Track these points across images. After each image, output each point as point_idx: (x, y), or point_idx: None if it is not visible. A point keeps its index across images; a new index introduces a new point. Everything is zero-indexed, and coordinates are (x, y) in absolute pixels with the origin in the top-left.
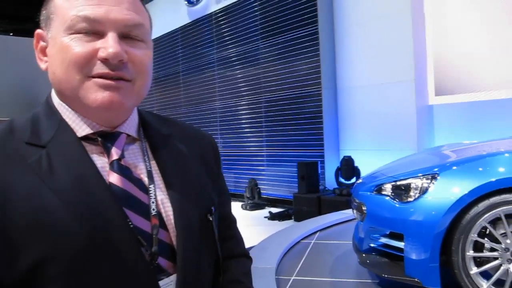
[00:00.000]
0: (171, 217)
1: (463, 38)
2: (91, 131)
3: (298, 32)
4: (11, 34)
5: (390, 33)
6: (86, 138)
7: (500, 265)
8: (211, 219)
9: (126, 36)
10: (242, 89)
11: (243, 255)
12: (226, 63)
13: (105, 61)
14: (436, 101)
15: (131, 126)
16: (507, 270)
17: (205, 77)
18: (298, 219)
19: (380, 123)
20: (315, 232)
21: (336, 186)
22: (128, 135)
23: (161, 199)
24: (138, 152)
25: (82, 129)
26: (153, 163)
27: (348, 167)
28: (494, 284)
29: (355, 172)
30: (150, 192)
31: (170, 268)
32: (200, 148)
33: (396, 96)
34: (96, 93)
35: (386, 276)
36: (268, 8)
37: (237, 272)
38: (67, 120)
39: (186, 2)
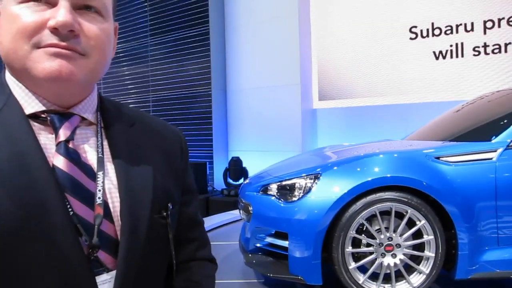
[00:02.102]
0: (118, 208)
1: (345, 46)
2: (41, 109)
3: (189, 31)
4: None
5: (278, 36)
6: (35, 116)
7: (375, 259)
8: (165, 216)
9: (80, 7)
10: (129, 87)
11: (206, 259)
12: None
13: (54, 30)
14: (319, 105)
15: (87, 108)
16: (381, 263)
17: None
18: None
19: (267, 125)
20: None
21: (224, 186)
22: (83, 118)
23: (109, 188)
24: (92, 136)
25: (31, 106)
26: (107, 151)
27: (236, 168)
28: (370, 277)
29: (243, 172)
30: (98, 179)
31: (111, 264)
32: (164, 142)
33: (282, 99)
34: (44, 63)
35: (271, 275)
36: (158, 4)
37: (197, 273)
38: (16, 95)
39: None
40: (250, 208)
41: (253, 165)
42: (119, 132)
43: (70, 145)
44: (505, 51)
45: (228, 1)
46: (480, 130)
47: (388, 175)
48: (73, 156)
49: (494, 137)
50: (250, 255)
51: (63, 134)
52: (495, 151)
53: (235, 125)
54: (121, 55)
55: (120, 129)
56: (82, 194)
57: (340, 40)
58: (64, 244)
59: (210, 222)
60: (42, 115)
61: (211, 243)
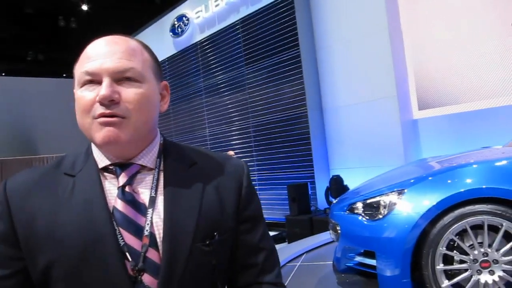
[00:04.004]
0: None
1: (440, 52)
2: (108, 163)
3: (281, 56)
4: (3, 74)
5: (370, 51)
6: (106, 168)
7: (471, 276)
8: (208, 244)
9: (121, 79)
10: (231, 115)
11: (270, 283)
12: (214, 90)
13: (101, 103)
14: (419, 115)
15: (146, 157)
16: (478, 280)
17: (193, 105)
18: (292, 241)
19: (366, 140)
20: (302, 254)
21: (327, 206)
22: (143, 166)
23: (156, 221)
24: (149, 180)
25: (102, 161)
26: (161, 190)
27: (337, 186)
28: None
29: (344, 190)
30: (148, 215)
31: (154, 285)
32: (221, 179)
33: (380, 113)
34: (99, 132)
35: None
36: (251, 34)
37: None
38: (94, 155)
39: (171, 34)
40: (338, 228)
41: (355, 182)
42: (176, 173)
43: (127, 189)
44: None
45: (316, 22)
46: None
47: (474, 187)
48: (128, 198)
49: None
50: (342, 275)
51: (121, 180)
52: None
53: (335, 143)
54: (221, 85)
55: (178, 171)
56: (132, 228)
57: (434, 46)
58: (114, 267)
59: (310, 242)
60: (110, 167)
61: (310, 263)
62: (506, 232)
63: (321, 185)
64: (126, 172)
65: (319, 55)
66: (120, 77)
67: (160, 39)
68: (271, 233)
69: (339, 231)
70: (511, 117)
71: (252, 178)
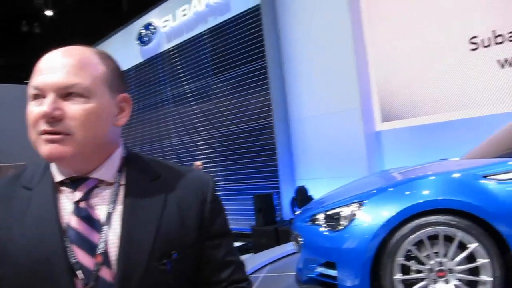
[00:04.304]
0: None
1: (403, 66)
2: (64, 177)
3: (248, 67)
4: None
5: (335, 64)
6: (63, 182)
7: (427, 285)
8: (165, 263)
9: (67, 94)
10: (197, 125)
11: None
12: (180, 99)
13: (43, 119)
14: (383, 127)
15: (105, 171)
16: None
17: (160, 115)
18: (258, 252)
19: (331, 151)
20: (266, 265)
21: (292, 216)
22: (101, 180)
23: (112, 238)
24: (107, 195)
25: (59, 175)
26: (120, 207)
27: (302, 197)
28: None
29: (310, 201)
30: (103, 232)
31: None
32: (184, 192)
33: (344, 124)
34: (43, 147)
35: None
36: (218, 44)
37: None
38: (52, 168)
39: (138, 42)
40: (300, 239)
41: (320, 193)
42: (137, 188)
43: (82, 205)
44: None
45: (283, 34)
46: None
47: (431, 199)
48: (82, 214)
49: None
50: (304, 286)
51: (77, 195)
52: None
53: (300, 154)
54: (189, 95)
55: (139, 185)
56: (86, 245)
57: (397, 59)
58: (64, 286)
59: (274, 253)
60: (66, 181)
61: (274, 274)
62: (460, 242)
63: (286, 196)
64: (82, 187)
65: (285, 66)
66: (65, 93)
67: (127, 47)
68: (237, 244)
69: (301, 242)
70: (469, 129)
71: (217, 188)
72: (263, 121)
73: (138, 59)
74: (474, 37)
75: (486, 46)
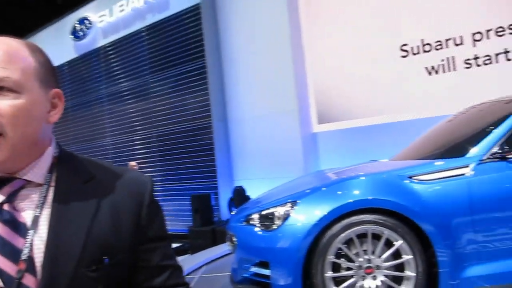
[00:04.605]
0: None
1: (339, 69)
2: None
3: (187, 66)
4: None
5: (273, 66)
6: None
7: (356, 282)
8: (95, 269)
9: None
10: (134, 124)
11: None
12: (117, 97)
13: None
14: (319, 128)
15: (33, 171)
16: (362, 286)
17: (95, 113)
18: (195, 253)
19: (269, 152)
20: (202, 266)
21: (229, 216)
22: (29, 181)
23: (37, 244)
24: (35, 197)
25: None
26: (48, 209)
27: (240, 197)
28: None
29: (247, 201)
30: (28, 237)
31: None
32: (120, 194)
33: (282, 126)
34: None
35: None
36: (157, 42)
37: None
38: None
39: (72, 36)
40: (234, 239)
41: (258, 193)
42: (68, 189)
43: (6, 207)
44: (496, 61)
45: (222, 35)
46: (454, 146)
47: (354, 200)
48: (5, 217)
49: (467, 152)
50: (238, 286)
51: (0, 198)
52: (468, 166)
53: (239, 154)
54: (126, 93)
55: (71, 187)
56: (8, 251)
57: (334, 63)
58: None
59: (211, 253)
60: None
61: (210, 275)
62: (387, 240)
63: (224, 196)
64: (7, 188)
65: (225, 67)
66: None
67: (60, 42)
68: (174, 245)
69: (235, 242)
70: (399, 132)
71: (155, 190)
72: (202, 121)
73: (72, 55)
74: (405, 44)
75: (415, 54)
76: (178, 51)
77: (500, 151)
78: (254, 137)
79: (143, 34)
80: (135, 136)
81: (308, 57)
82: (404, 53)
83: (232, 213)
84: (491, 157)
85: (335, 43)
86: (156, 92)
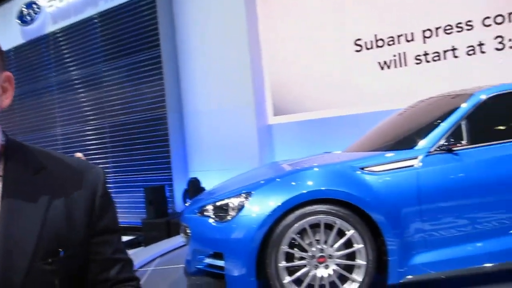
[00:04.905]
0: None
1: (295, 62)
2: None
3: (141, 56)
4: None
5: (230, 58)
6: None
7: (309, 271)
8: (50, 262)
9: None
10: (86, 113)
11: None
12: (67, 86)
13: None
14: (274, 120)
15: None
16: (315, 275)
17: (43, 102)
18: (149, 245)
19: (225, 144)
20: (156, 258)
21: (184, 208)
22: None
23: None
24: None
25: None
26: None
27: (194, 189)
28: None
29: (202, 192)
30: None
31: None
32: (72, 185)
33: (237, 118)
34: None
35: None
36: (110, 30)
37: None
38: None
39: (19, 21)
40: (188, 231)
41: (213, 185)
42: (19, 180)
43: None
44: (444, 58)
45: (179, 25)
46: (404, 139)
47: (307, 190)
48: None
49: (415, 144)
50: (192, 277)
51: None
52: (416, 158)
53: (194, 146)
54: (77, 82)
55: (21, 177)
56: None
57: (290, 57)
58: None
59: (162, 247)
60: None
61: (164, 267)
62: (339, 229)
63: (179, 188)
64: None
65: (181, 58)
66: None
67: (5, 26)
68: (127, 238)
69: (189, 234)
70: (352, 125)
71: (108, 181)
72: (156, 112)
73: (19, 40)
74: (359, 39)
75: (368, 49)
76: (132, 40)
77: (447, 143)
78: (210, 129)
79: (96, 21)
80: (87, 127)
81: (264, 50)
82: (358, 48)
83: (186, 204)
84: (438, 149)
85: (291, 37)
86: (109, 81)
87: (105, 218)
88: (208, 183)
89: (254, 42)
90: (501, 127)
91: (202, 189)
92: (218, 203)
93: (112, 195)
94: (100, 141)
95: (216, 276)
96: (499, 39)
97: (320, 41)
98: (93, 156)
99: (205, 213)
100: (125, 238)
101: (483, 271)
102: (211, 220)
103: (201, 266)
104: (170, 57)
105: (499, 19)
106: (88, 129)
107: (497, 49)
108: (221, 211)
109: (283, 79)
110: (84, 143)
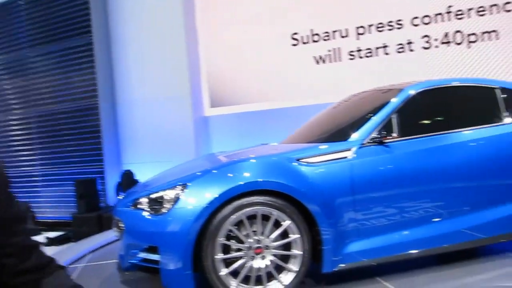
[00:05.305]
0: None
1: (233, 53)
2: None
3: (71, 42)
4: None
5: (166, 48)
6: None
7: (245, 262)
8: None
9: None
10: (10, 102)
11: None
12: None
13: None
14: (211, 112)
15: None
16: (252, 266)
17: None
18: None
19: (160, 135)
20: (87, 254)
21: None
22: None
23: None
24: None
25: None
26: None
27: (128, 181)
28: (244, 281)
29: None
30: None
31: None
32: None
33: (173, 108)
34: None
35: None
36: (37, 13)
37: None
38: None
39: None
40: (121, 225)
41: (148, 177)
42: None
43: None
44: (376, 54)
45: (112, 11)
46: (338, 131)
47: (244, 182)
48: None
49: (349, 137)
50: (126, 273)
51: None
52: (350, 150)
53: (128, 137)
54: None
55: None
56: None
57: (228, 48)
58: None
59: (93, 242)
60: None
61: (96, 263)
62: (276, 220)
63: (112, 181)
64: None
65: (115, 46)
66: None
67: None
68: (55, 234)
69: (122, 228)
70: (288, 118)
71: (34, 174)
72: (87, 101)
73: None
74: (296, 33)
75: (305, 43)
76: (62, 24)
77: (379, 136)
78: (145, 119)
79: (21, 3)
80: (11, 116)
81: (202, 41)
82: (295, 42)
83: (119, 197)
84: (370, 141)
85: (229, 28)
86: (36, 68)
87: (9, 208)
88: (142, 175)
89: (191, 32)
90: (428, 121)
91: (136, 182)
92: (152, 196)
93: (40, 188)
94: (25, 131)
95: (151, 271)
96: (426, 38)
97: (258, 33)
98: (17, 148)
99: (139, 206)
100: (54, 234)
101: (410, 257)
102: (145, 213)
103: (135, 261)
104: (102, 43)
105: (426, 20)
106: (12, 119)
107: (424, 48)
108: (156, 203)
109: (221, 71)
110: (8, 133)
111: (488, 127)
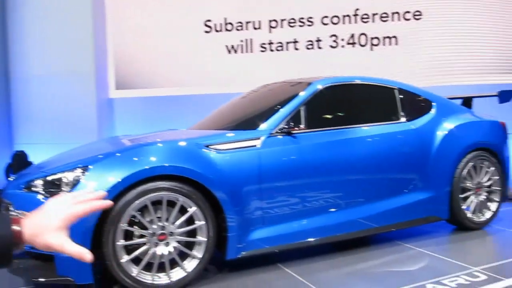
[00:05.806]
0: None
1: (143, 35)
2: None
3: None
4: None
5: (70, 23)
6: None
7: (148, 249)
8: None
9: None
10: None
11: None
12: None
13: None
14: (116, 94)
15: None
16: (155, 252)
17: None
18: None
19: (59, 115)
20: None
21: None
22: None
23: None
24: None
25: None
26: None
27: (20, 163)
28: (146, 268)
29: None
30: None
31: None
32: None
33: (75, 87)
34: None
35: (36, 279)
36: None
37: None
38: None
39: None
40: (12, 208)
41: (43, 159)
42: None
43: None
44: (287, 49)
45: None
46: (249, 120)
47: (150, 166)
48: None
49: (258, 126)
50: (15, 260)
51: None
52: (259, 138)
53: (22, 115)
54: None
55: None
56: None
57: (137, 28)
58: None
59: None
60: None
61: None
62: (182, 206)
63: (1, 161)
64: None
65: (10, 15)
66: None
67: None
68: None
69: (13, 212)
70: (197, 104)
71: None
72: None
73: None
74: (209, 20)
75: (218, 31)
76: None
77: (287, 127)
78: (42, 97)
79: None
80: None
81: (110, 20)
82: (208, 29)
83: (10, 179)
84: (279, 131)
85: (140, 9)
86: None
87: None
88: (37, 157)
89: (98, 10)
90: (333, 115)
91: (30, 164)
92: (49, 178)
93: None
94: None
95: (45, 258)
96: (334, 38)
97: (170, 17)
98: None
99: (33, 189)
100: None
101: (309, 245)
102: (40, 197)
103: (26, 248)
104: None
105: (335, 20)
106: None
107: (332, 47)
108: (53, 186)
109: (129, 52)
110: None
111: (384, 124)
